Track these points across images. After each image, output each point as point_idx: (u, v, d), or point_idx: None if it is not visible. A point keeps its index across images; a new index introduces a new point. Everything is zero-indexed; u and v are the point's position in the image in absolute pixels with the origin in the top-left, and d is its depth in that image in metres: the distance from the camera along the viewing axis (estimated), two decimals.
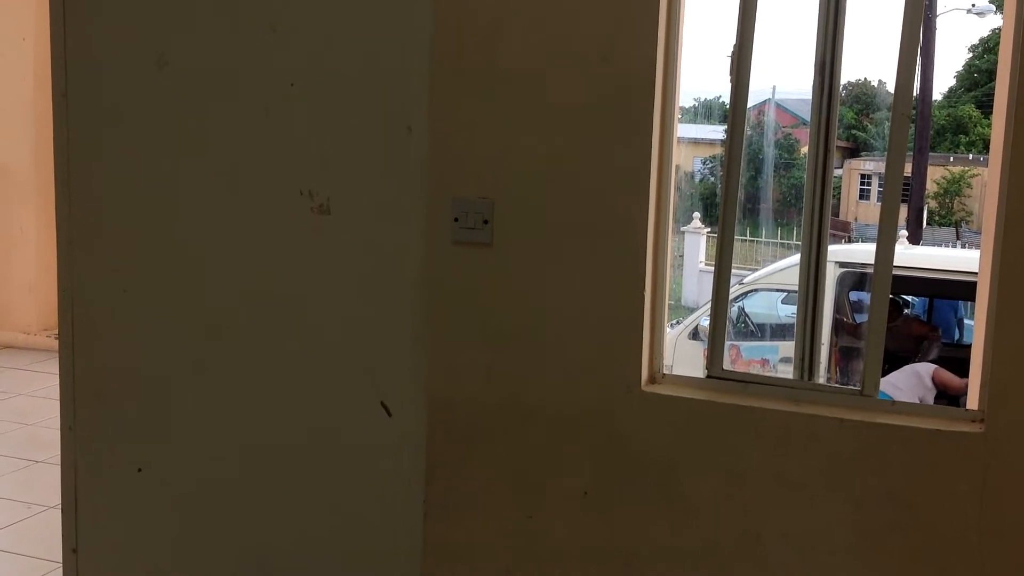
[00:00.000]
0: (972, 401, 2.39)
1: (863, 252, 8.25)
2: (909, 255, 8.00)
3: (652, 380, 2.54)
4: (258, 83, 2.75)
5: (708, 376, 2.53)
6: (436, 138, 2.57)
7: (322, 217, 2.73)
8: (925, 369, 7.08)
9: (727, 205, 2.49)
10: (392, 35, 2.62)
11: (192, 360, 2.90)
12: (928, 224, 21.57)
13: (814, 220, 2.52)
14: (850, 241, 17.33)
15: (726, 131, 2.55)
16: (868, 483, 2.33)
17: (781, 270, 9.20)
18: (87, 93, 2.89)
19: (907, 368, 7.02)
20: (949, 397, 6.94)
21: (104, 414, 3.00)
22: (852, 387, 2.43)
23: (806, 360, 2.58)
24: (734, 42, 2.47)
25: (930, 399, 6.84)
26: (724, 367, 2.54)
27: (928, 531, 2.29)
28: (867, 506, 2.33)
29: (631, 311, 2.47)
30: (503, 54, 2.50)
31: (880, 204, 2.50)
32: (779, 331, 9.47)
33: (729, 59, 2.50)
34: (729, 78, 2.48)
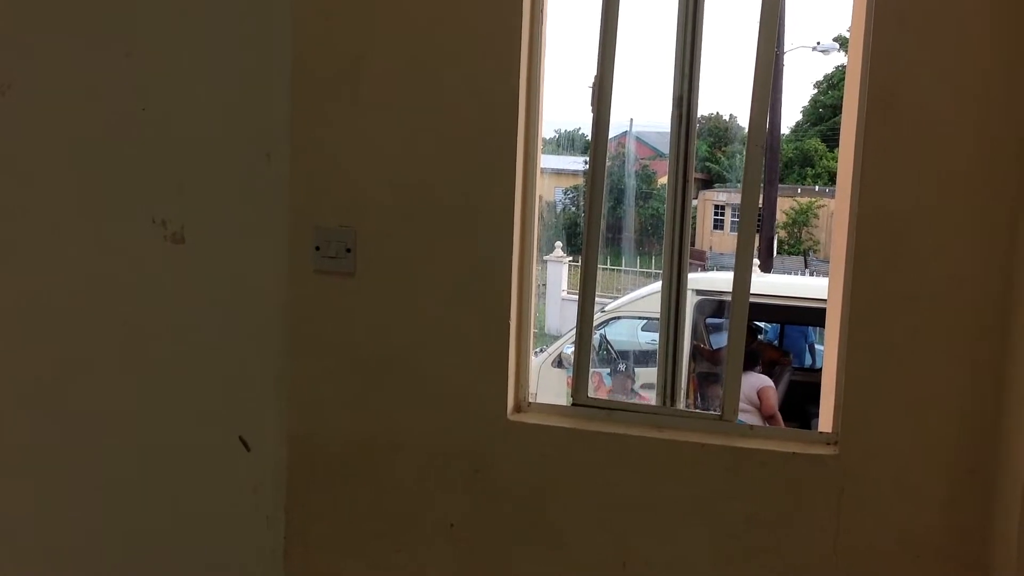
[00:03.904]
0: (825, 424, 2.46)
1: (718, 280, 8.50)
2: (762, 283, 8.27)
3: (518, 409, 2.53)
4: (108, 108, 2.64)
5: (573, 404, 2.54)
6: (297, 166, 2.52)
7: (176, 246, 2.63)
8: (756, 380, 7.23)
9: (590, 236, 2.52)
10: (251, 63, 2.56)
11: (38, 395, 2.74)
12: (778, 253, 22.41)
13: (674, 249, 2.56)
14: (705, 269, 17.88)
15: (587, 162, 2.57)
16: (729, 506, 2.37)
17: (641, 298, 9.40)
18: None
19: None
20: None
21: None
22: (712, 412, 2.48)
23: (668, 385, 2.62)
24: (595, 76, 2.50)
25: (749, 409, 7.03)
26: (588, 395, 2.55)
27: (787, 552, 2.34)
28: (728, 529, 2.37)
29: (497, 341, 2.46)
30: (366, 85, 2.47)
31: (734, 234, 2.57)
32: (640, 358, 9.66)
33: (590, 91, 2.53)
34: (591, 110, 2.51)
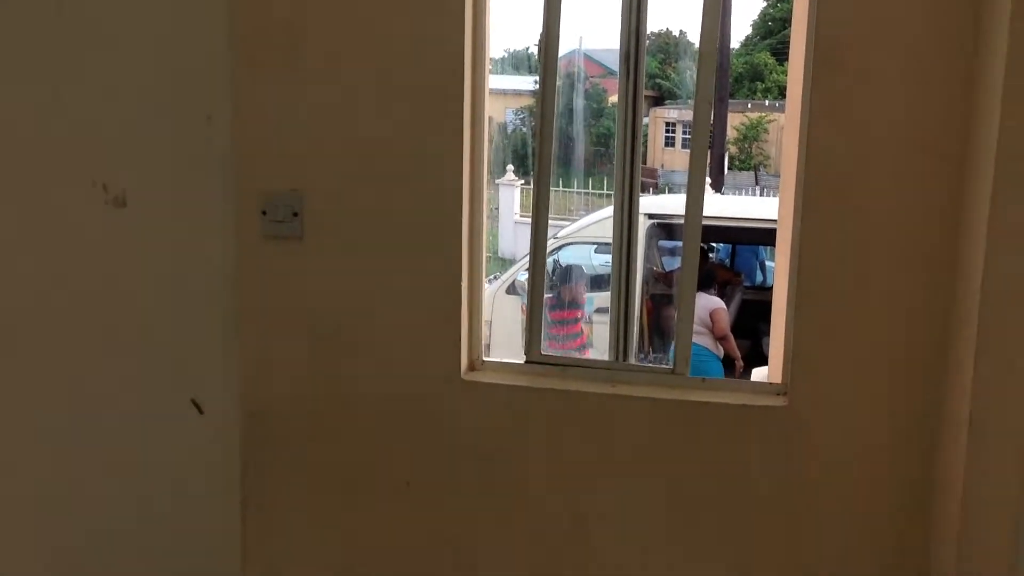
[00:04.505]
0: (775, 375, 2.50)
1: (670, 203, 8.51)
2: (713, 206, 8.28)
3: (472, 367, 2.53)
4: (43, 67, 2.55)
5: (527, 361, 2.54)
6: (240, 129, 2.46)
7: (118, 210, 2.57)
8: (708, 301, 7.26)
9: (540, 189, 2.49)
10: (190, 23, 2.47)
11: None
12: (729, 169, 22.40)
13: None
14: (658, 188, 17.86)
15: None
16: (681, 459, 2.41)
17: (594, 223, 9.38)
18: None
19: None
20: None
21: None
22: (664, 366, 2.50)
23: (621, 339, 2.62)
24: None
25: (702, 331, 7.07)
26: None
27: (738, 501, 2.39)
28: (680, 481, 2.41)
29: (449, 299, 2.45)
30: (306, 42, 2.41)
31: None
32: (595, 282, 9.69)
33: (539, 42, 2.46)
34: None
